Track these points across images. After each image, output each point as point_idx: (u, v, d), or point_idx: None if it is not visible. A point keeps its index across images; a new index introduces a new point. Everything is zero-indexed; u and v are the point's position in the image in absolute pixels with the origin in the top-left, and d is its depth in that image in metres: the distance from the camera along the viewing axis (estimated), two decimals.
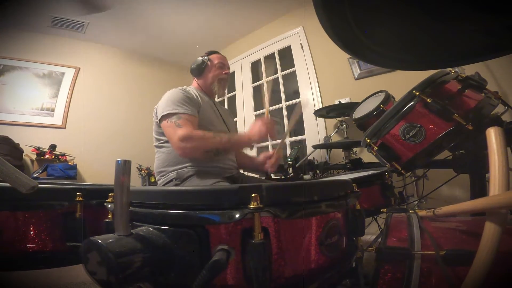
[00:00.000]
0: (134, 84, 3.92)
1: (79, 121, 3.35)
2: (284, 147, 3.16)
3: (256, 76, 3.56)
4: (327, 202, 0.53)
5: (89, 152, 3.26)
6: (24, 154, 2.84)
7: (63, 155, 2.99)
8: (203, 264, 0.41)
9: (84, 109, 3.42)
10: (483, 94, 1.07)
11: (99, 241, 0.39)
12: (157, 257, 0.44)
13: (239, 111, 3.61)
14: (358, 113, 1.70)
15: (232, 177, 1.49)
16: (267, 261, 0.43)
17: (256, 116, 3.47)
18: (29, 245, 0.71)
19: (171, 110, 1.31)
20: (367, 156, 1.98)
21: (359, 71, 2.66)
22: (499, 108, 1.10)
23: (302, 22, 3.11)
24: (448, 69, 1.14)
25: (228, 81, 1.67)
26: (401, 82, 1.75)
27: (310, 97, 2.96)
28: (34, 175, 2.64)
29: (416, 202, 1.62)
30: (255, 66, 3.59)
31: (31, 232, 0.72)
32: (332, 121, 2.64)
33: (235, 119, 3.51)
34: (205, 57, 1.58)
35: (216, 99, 1.71)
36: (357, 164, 1.99)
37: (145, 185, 3.22)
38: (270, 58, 3.45)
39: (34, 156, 2.86)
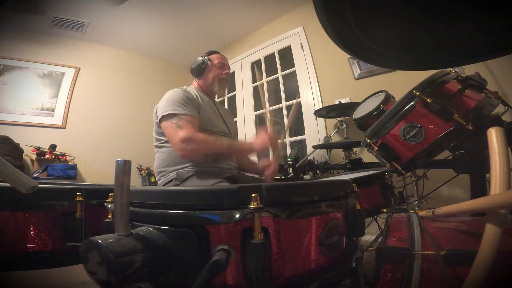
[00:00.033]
0: (134, 84, 3.92)
1: (79, 121, 3.35)
2: (284, 147, 3.16)
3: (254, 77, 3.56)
4: (327, 202, 0.53)
5: (89, 152, 3.26)
6: (24, 154, 2.84)
7: (63, 155, 2.99)
8: (203, 264, 0.41)
9: (84, 109, 3.42)
10: (483, 94, 1.07)
11: (99, 241, 0.39)
12: (157, 257, 0.44)
13: (239, 111, 3.61)
14: (358, 113, 1.70)
15: (232, 177, 1.49)
16: (267, 261, 0.43)
17: (256, 116, 3.47)
18: (29, 245, 0.71)
19: (171, 110, 1.31)
20: (367, 156, 1.98)
21: (359, 71, 2.66)
22: (499, 108, 1.10)
23: (302, 22, 3.11)
24: (448, 69, 1.14)
25: (228, 81, 1.67)
26: (401, 82, 1.76)
27: (310, 97, 2.96)
28: (34, 175, 2.64)
29: (416, 202, 1.62)
30: (254, 66, 3.60)
31: (31, 232, 0.72)
32: (332, 121, 2.64)
33: (235, 119, 3.51)
34: (205, 57, 1.58)
35: (216, 99, 1.71)
36: (357, 164, 1.99)
37: (145, 185, 3.22)
38: (259, 64, 3.46)
39: (34, 156, 2.86)
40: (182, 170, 1.35)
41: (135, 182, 3.23)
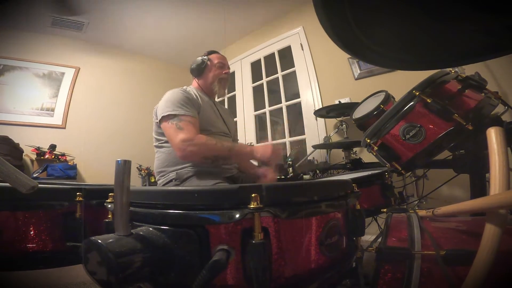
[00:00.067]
0: (134, 84, 3.92)
1: (79, 121, 3.35)
2: (284, 148, 3.17)
3: (256, 76, 3.56)
4: (327, 202, 0.53)
5: (89, 152, 3.26)
6: (24, 154, 2.84)
7: (63, 155, 2.99)
8: (203, 264, 0.41)
9: (84, 109, 3.42)
10: (483, 94, 1.07)
11: (99, 241, 0.39)
12: (157, 257, 0.44)
13: (239, 111, 3.61)
14: (358, 113, 1.70)
15: (232, 177, 1.49)
16: (267, 261, 0.43)
17: (255, 116, 3.48)
18: (29, 245, 0.71)
19: (171, 111, 1.31)
20: (367, 156, 1.98)
21: (359, 71, 2.67)
22: (499, 108, 1.10)
23: (302, 22, 3.11)
24: (448, 69, 1.14)
25: (228, 80, 1.67)
26: (401, 82, 1.76)
27: (310, 97, 2.96)
28: (34, 175, 2.64)
29: (416, 202, 1.62)
30: (254, 67, 3.60)
31: (31, 232, 0.72)
32: (332, 121, 2.64)
33: (235, 119, 3.51)
34: (205, 57, 1.58)
35: (216, 99, 1.71)
36: (357, 164, 1.99)
37: (145, 185, 3.22)
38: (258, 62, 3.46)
39: (34, 156, 2.86)
40: (182, 170, 1.35)
41: (135, 182, 3.23)
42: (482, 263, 0.39)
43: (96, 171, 3.22)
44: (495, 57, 0.58)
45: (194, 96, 1.45)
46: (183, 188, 0.93)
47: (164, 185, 1.39)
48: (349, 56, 2.58)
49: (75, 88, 3.42)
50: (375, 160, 1.37)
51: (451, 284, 0.47)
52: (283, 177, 2.18)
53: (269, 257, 0.43)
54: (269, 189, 0.45)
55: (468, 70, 1.36)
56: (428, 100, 1.00)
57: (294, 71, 3.14)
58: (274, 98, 3.32)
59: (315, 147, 2.37)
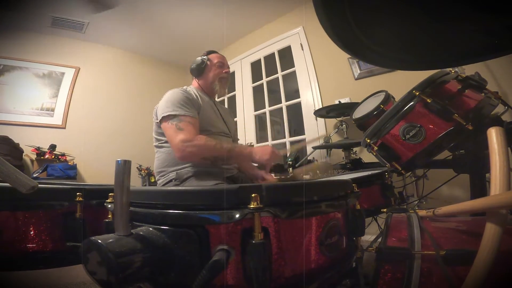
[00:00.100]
0: (134, 84, 3.92)
1: (79, 121, 3.35)
2: (283, 148, 3.17)
3: (256, 76, 3.56)
4: (327, 202, 0.53)
5: (89, 152, 3.26)
6: (24, 154, 2.84)
7: (63, 155, 2.99)
8: (203, 264, 0.41)
9: (84, 109, 3.42)
10: (483, 94, 1.07)
11: (99, 241, 0.39)
12: (157, 257, 0.44)
13: (239, 111, 3.61)
14: (358, 113, 1.70)
15: (232, 177, 1.49)
16: (267, 261, 0.43)
17: (255, 116, 3.48)
18: (29, 245, 0.71)
19: (171, 111, 1.31)
20: (367, 156, 1.98)
21: (359, 71, 2.67)
22: (499, 108, 1.10)
23: (302, 22, 3.11)
24: (448, 69, 1.14)
25: (228, 79, 1.67)
26: (401, 82, 1.76)
27: (310, 97, 2.96)
28: (34, 175, 2.64)
29: (416, 202, 1.62)
30: (254, 67, 3.60)
31: (31, 232, 0.72)
32: (332, 121, 2.64)
33: (235, 119, 3.51)
34: (205, 57, 1.58)
35: (217, 99, 1.71)
36: (357, 164, 1.99)
37: (145, 185, 3.22)
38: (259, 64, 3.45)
39: (34, 156, 2.86)
40: (181, 171, 1.35)
41: (135, 182, 3.23)
42: (483, 262, 0.39)
43: (96, 171, 3.22)
44: (495, 57, 0.58)
45: (194, 96, 1.45)
46: (183, 188, 0.93)
47: (164, 185, 1.39)
48: (349, 56, 2.58)
49: (75, 88, 3.42)
50: (375, 160, 1.37)
51: (451, 284, 0.47)
52: (283, 177, 2.18)
53: (269, 257, 0.43)
54: (269, 189, 0.45)
55: (468, 70, 1.36)
56: (428, 100, 1.00)
57: (294, 71, 3.14)
58: (274, 98, 3.32)
59: (315, 147, 2.37)
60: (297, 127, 3.40)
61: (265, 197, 0.44)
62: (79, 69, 3.49)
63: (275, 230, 0.46)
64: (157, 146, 1.47)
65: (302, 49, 3.09)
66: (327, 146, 2.40)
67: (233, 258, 0.43)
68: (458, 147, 1.19)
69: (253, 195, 0.43)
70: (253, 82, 3.55)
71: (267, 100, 3.34)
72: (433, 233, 0.56)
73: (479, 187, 1.09)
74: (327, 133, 2.75)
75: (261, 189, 0.44)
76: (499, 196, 0.41)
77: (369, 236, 0.93)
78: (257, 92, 3.52)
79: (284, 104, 3.18)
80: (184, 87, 1.51)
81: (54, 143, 2.96)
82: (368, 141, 1.18)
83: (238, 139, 1.83)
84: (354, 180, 0.70)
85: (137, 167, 3.24)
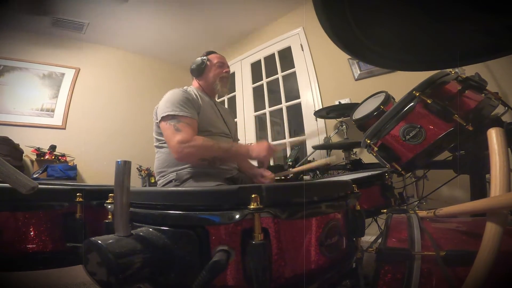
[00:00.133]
0: (134, 85, 3.92)
1: (79, 121, 3.35)
2: (283, 148, 3.17)
3: (256, 77, 3.57)
4: (327, 203, 0.53)
5: (89, 153, 3.26)
6: (24, 154, 2.84)
7: (63, 155, 2.99)
8: (203, 264, 0.41)
9: (84, 110, 3.42)
10: (483, 94, 1.07)
11: (99, 241, 0.39)
12: (157, 257, 0.44)
13: (239, 111, 3.61)
14: (358, 113, 1.70)
15: (232, 178, 1.49)
16: (267, 261, 0.43)
17: (256, 116, 3.48)
18: (29, 246, 0.71)
19: (170, 112, 1.31)
20: (367, 157, 1.98)
21: (359, 72, 2.67)
22: (499, 109, 1.10)
23: (302, 22, 3.11)
24: (448, 70, 1.14)
25: (229, 79, 1.67)
26: (401, 83, 1.75)
27: (310, 97, 2.96)
28: (34, 176, 2.64)
29: (416, 202, 1.61)
30: (255, 68, 3.60)
31: (31, 233, 0.72)
32: (332, 122, 2.64)
33: (235, 120, 3.51)
34: (204, 57, 1.59)
35: (217, 99, 1.71)
36: (357, 165, 1.99)
37: (145, 186, 3.22)
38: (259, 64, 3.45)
39: (34, 157, 2.86)
40: (181, 171, 1.35)
41: (135, 182, 3.23)
42: (483, 263, 0.39)
43: (96, 171, 3.21)
44: (495, 58, 0.58)
45: (195, 96, 1.45)
46: (183, 188, 0.93)
47: (164, 185, 1.39)
48: (349, 56, 2.58)
49: (75, 88, 3.42)
50: (375, 160, 1.37)
51: (451, 285, 0.47)
52: (283, 177, 2.18)
53: (269, 257, 0.43)
54: (269, 189, 0.45)
55: (468, 70, 1.36)
56: (428, 101, 1.00)
57: (294, 72, 3.14)
58: (274, 98, 3.32)
59: (315, 147, 2.37)
60: (297, 127, 3.40)
61: (265, 197, 0.44)
62: (79, 69, 3.49)
63: (275, 231, 0.46)
64: (157, 147, 1.47)
65: (302, 50, 3.09)
66: (327, 146, 2.40)
67: (233, 259, 0.43)
68: (458, 148, 1.19)
69: (253, 195, 0.43)
70: (253, 82, 3.55)
71: (267, 101, 3.34)
72: (433, 234, 0.56)
73: (479, 188, 1.09)
74: (327, 133, 2.75)
75: (261, 190, 0.44)
76: (499, 197, 0.41)
77: (369, 236, 0.93)
78: (257, 92, 3.52)
79: (284, 104, 3.18)
80: (185, 87, 1.52)
81: (54, 144, 2.96)
82: (368, 141, 1.18)
83: (239, 140, 1.83)
84: (354, 180, 0.70)
85: (137, 168, 3.24)
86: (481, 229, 0.42)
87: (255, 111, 3.48)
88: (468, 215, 0.69)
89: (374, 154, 1.20)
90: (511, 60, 1.68)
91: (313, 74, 2.97)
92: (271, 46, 3.41)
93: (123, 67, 3.88)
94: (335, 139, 2.52)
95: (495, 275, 0.39)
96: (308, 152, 2.66)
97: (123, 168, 0.43)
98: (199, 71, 1.58)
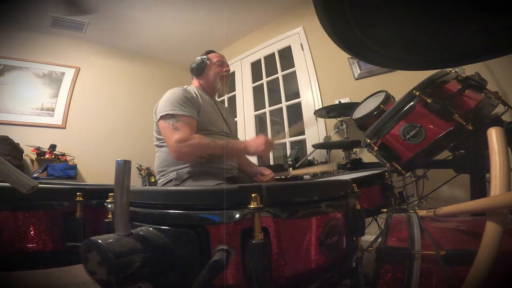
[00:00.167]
0: (134, 84, 3.92)
1: (79, 121, 3.35)
2: (283, 148, 3.17)
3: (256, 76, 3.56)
4: (327, 202, 0.53)
5: (89, 152, 3.26)
6: (24, 154, 2.84)
7: (63, 155, 2.99)
8: (203, 264, 0.41)
9: (84, 109, 3.42)
10: (483, 94, 1.07)
11: (99, 241, 0.39)
12: (157, 257, 0.44)
13: (239, 111, 3.61)
14: (358, 113, 1.70)
15: (232, 177, 1.49)
16: (267, 261, 0.43)
17: (256, 116, 3.48)
18: (29, 245, 0.71)
19: (169, 111, 1.31)
20: (367, 156, 1.98)
21: (359, 71, 2.66)
22: (499, 108, 1.10)
23: (302, 22, 3.11)
24: (448, 69, 1.14)
25: (229, 78, 1.67)
26: (401, 82, 1.76)
27: (310, 97, 2.96)
28: (34, 175, 2.64)
29: (416, 202, 1.62)
30: (255, 67, 3.60)
31: (31, 232, 0.72)
32: (332, 121, 2.64)
33: (235, 119, 3.51)
34: (204, 56, 1.59)
35: (217, 98, 1.71)
36: (357, 164, 1.99)
37: (145, 185, 3.22)
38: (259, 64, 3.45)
39: (34, 156, 2.86)
40: (182, 170, 1.35)
41: (135, 182, 3.23)
42: (483, 262, 0.39)
43: (96, 171, 3.22)
44: (495, 57, 0.58)
45: (194, 95, 1.45)
46: (183, 188, 0.93)
47: (164, 184, 1.39)
48: (349, 56, 2.58)
49: (75, 88, 3.42)
50: (375, 160, 1.37)
51: (451, 284, 0.47)
52: (282, 177, 2.18)
53: (269, 257, 0.43)
54: (269, 189, 0.45)
55: (468, 70, 1.36)
56: (428, 100, 1.00)
57: (294, 71, 3.14)
58: (274, 98, 3.32)
59: (315, 146, 2.37)
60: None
61: (265, 197, 0.44)
62: (79, 69, 3.48)
63: (275, 230, 0.46)
64: (157, 146, 1.47)
65: (302, 49, 3.09)
66: (327, 146, 2.40)
67: (233, 258, 0.43)
68: (458, 147, 1.19)
69: (253, 195, 0.43)
70: (253, 82, 3.55)
71: (267, 100, 3.34)
72: (433, 233, 0.56)
73: (479, 187, 1.09)
74: (327, 133, 2.75)
75: (261, 189, 0.44)
76: (499, 196, 0.41)
77: (369, 236, 0.93)
78: (257, 92, 3.52)
79: (284, 104, 3.17)
80: (185, 86, 1.52)
81: (54, 143, 2.96)
82: (368, 141, 1.18)
83: (239, 139, 1.83)
84: (354, 180, 0.70)
85: (137, 167, 3.24)
86: (481, 228, 0.42)
87: (255, 110, 3.48)
88: (468, 214, 0.69)
89: (374, 154, 1.20)
90: (511, 60, 1.68)
91: (313, 74, 2.97)
92: (271, 46, 3.41)
93: (123, 66, 3.87)
94: (335, 138, 2.52)
95: (495, 274, 0.39)
96: (308, 152, 2.66)
97: (123, 168, 0.43)
98: (199, 70, 1.58)
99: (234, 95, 3.71)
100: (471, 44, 0.58)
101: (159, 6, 3.01)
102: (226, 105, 3.68)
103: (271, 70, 3.38)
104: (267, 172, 1.56)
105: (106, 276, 0.38)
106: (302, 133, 2.97)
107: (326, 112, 2.38)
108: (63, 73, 3.37)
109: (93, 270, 0.39)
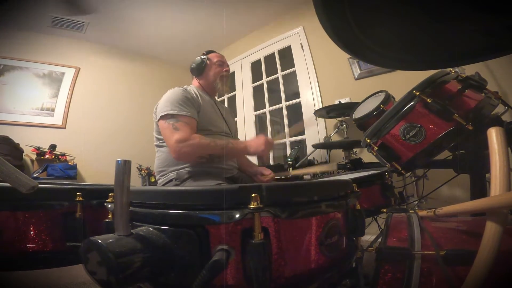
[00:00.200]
0: (134, 84, 3.92)
1: (79, 121, 3.35)
2: (284, 148, 3.17)
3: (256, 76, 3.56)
4: (327, 202, 0.53)
5: (89, 152, 3.26)
6: (24, 154, 2.84)
7: (63, 155, 2.99)
8: (203, 264, 0.41)
9: (84, 109, 3.42)
10: (483, 94, 1.07)
11: (99, 241, 0.39)
12: (157, 257, 0.44)
13: (239, 111, 3.61)
14: (358, 113, 1.70)
15: (232, 177, 1.49)
16: (267, 261, 0.43)
17: (256, 116, 3.48)
18: (29, 245, 0.71)
19: (169, 111, 1.31)
20: (367, 156, 1.98)
21: (359, 71, 2.66)
22: (499, 108, 1.10)
23: (302, 22, 3.11)
24: (448, 69, 1.14)
25: (229, 78, 1.67)
26: (401, 82, 1.76)
27: (310, 97, 2.96)
28: (34, 175, 2.64)
29: (416, 202, 1.62)
30: (255, 67, 3.60)
31: (31, 232, 0.72)
32: (332, 121, 2.64)
33: (235, 119, 3.51)
34: (204, 56, 1.59)
35: (218, 98, 1.71)
36: (357, 164, 1.99)
37: (145, 185, 3.22)
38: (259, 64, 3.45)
39: (34, 156, 2.86)
40: (182, 170, 1.35)
41: (135, 182, 3.23)
42: (483, 262, 0.39)
43: (96, 171, 3.22)
44: (495, 57, 0.58)
45: (195, 95, 1.45)
46: (183, 188, 0.93)
47: (164, 184, 1.39)
48: (349, 56, 2.58)
49: (75, 88, 3.42)
50: (375, 160, 1.37)
51: (451, 284, 0.47)
52: (282, 177, 2.18)
53: (269, 257, 0.43)
54: (269, 189, 0.45)
55: (468, 70, 1.36)
56: (428, 100, 1.00)
57: (294, 71, 3.14)
58: (274, 98, 3.32)
59: (315, 146, 2.37)
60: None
61: (265, 197, 0.44)
62: (79, 69, 3.48)
63: (275, 230, 0.46)
64: (157, 146, 1.47)
65: (302, 49, 3.09)
66: (327, 146, 2.40)
67: (233, 258, 0.43)
68: (458, 147, 1.19)
69: (253, 195, 0.43)
70: (253, 82, 3.55)
71: (267, 100, 3.34)
72: (433, 233, 0.56)
73: (479, 187, 1.09)
74: (327, 133, 2.75)
75: (261, 189, 0.44)
76: (500, 196, 0.41)
77: (369, 236, 0.93)
78: (257, 92, 3.52)
79: (284, 104, 3.17)
80: (185, 86, 1.52)
81: (54, 143, 2.96)
82: (368, 141, 1.18)
83: (239, 139, 1.83)
84: (354, 180, 0.70)
85: (137, 167, 3.24)
86: (481, 228, 0.42)
87: (255, 110, 3.48)
88: (468, 214, 0.69)
89: (374, 154, 1.20)
90: (511, 60, 1.68)
91: (313, 74, 2.97)
92: (271, 46, 3.41)
93: (123, 66, 3.87)
94: (335, 138, 2.52)
95: (495, 274, 0.39)
96: (308, 152, 2.66)
97: (123, 168, 0.43)
98: (199, 70, 1.58)
99: (234, 95, 3.71)
100: (471, 44, 0.58)
101: (159, 6, 3.01)
102: (226, 105, 3.68)
103: (271, 70, 3.38)
104: (267, 172, 1.56)
105: (106, 276, 0.38)
106: (302, 133, 2.97)
107: (326, 112, 2.38)
108: (63, 73, 3.37)
109: (93, 270, 0.39)
